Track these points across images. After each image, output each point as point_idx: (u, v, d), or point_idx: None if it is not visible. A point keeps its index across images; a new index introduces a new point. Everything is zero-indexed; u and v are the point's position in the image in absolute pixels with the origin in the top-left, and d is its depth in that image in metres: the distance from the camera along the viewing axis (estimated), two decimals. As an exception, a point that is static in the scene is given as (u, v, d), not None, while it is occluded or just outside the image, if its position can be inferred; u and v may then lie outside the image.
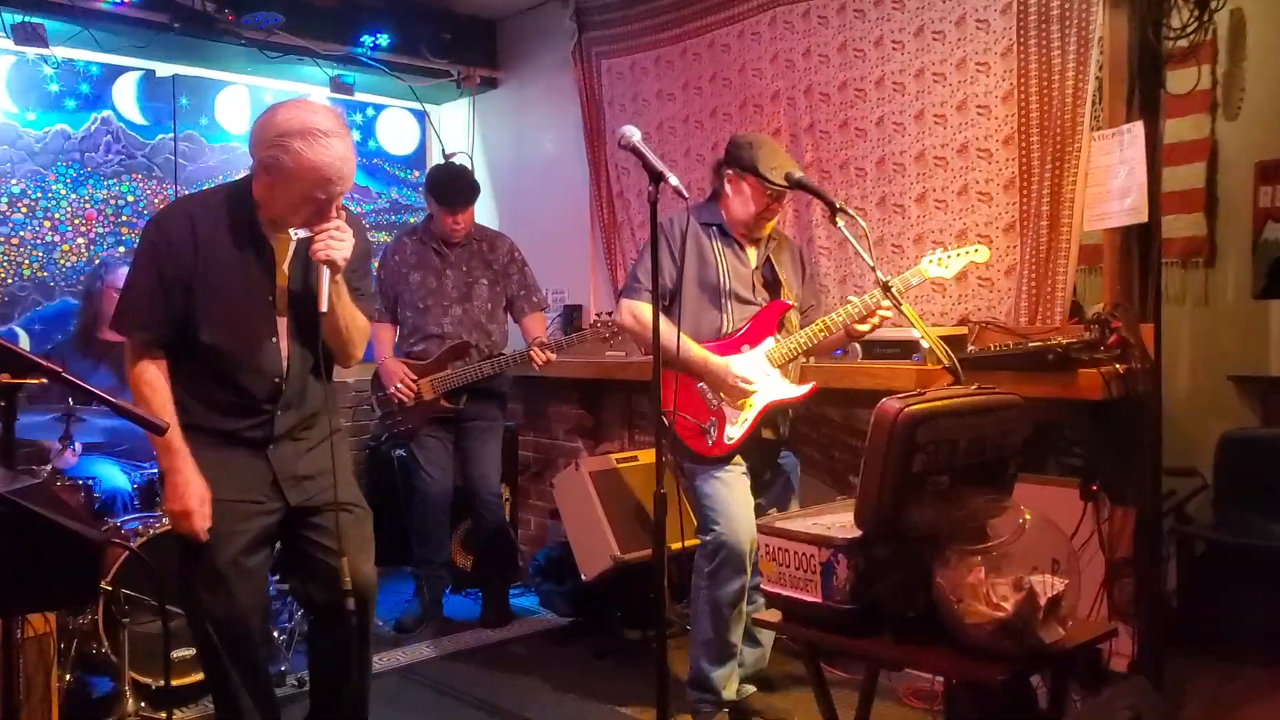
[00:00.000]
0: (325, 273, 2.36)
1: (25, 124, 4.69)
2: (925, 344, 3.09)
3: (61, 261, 4.76)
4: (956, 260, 3.13)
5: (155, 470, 3.58)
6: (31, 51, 4.49)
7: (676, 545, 3.15)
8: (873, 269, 2.79)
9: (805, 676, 2.47)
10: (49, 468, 3.49)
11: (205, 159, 5.20)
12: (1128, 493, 3.16)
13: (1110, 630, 2.24)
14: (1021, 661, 1.99)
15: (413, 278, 4.33)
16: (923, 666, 2.16)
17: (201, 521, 2.39)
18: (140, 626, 3.22)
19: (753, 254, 3.29)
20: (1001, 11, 3.58)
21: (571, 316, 5.19)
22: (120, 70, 4.91)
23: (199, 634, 2.46)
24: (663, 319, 3.15)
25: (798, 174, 3.10)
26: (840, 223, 2.94)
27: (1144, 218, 3.16)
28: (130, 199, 4.99)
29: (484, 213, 4.70)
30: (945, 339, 2.91)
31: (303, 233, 2.39)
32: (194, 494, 2.38)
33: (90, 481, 3.59)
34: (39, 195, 4.73)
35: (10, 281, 4.64)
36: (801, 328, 3.27)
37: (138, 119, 4.99)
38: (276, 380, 2.49)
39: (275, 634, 3.64)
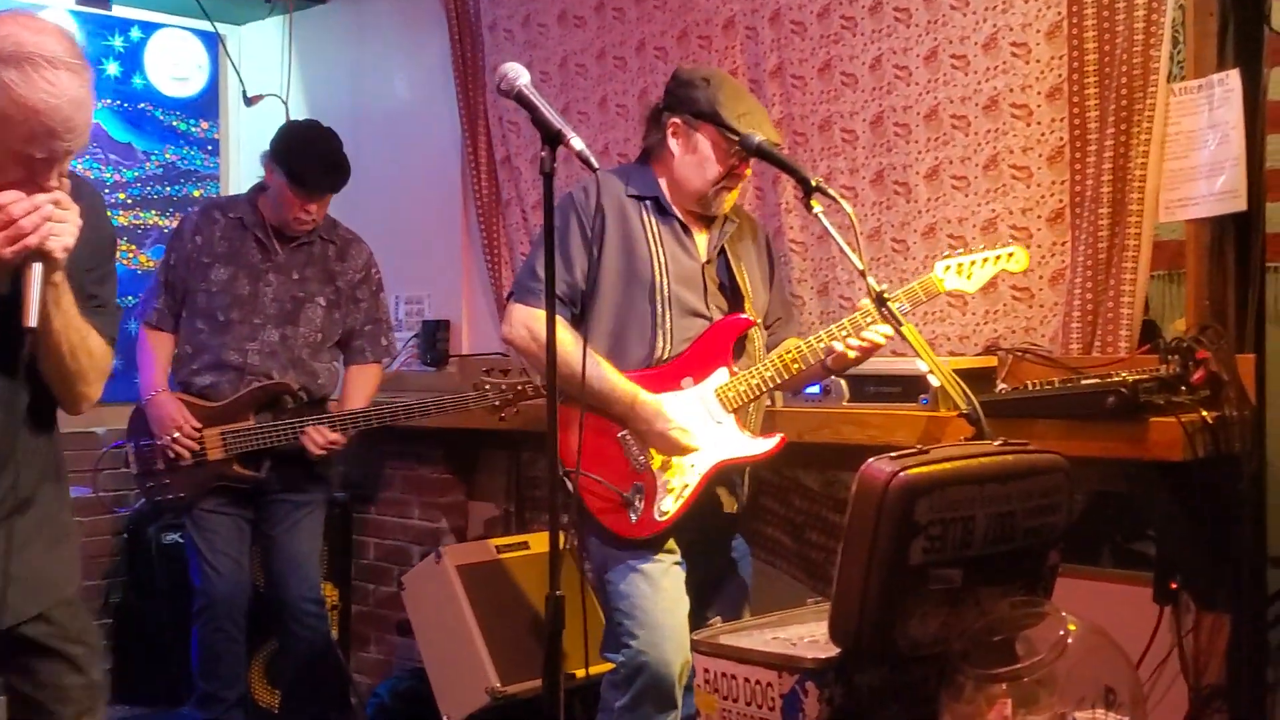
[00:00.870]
0: (35, 270, 2.29)
1: None
2: (935, 380, 3.14)
3: None
4: (983, 268, 3.20)
5: None
6: None
7: (581, 672, 3.14)
8: (862, 273, 2.84)
9: None
10: None
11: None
12: (1220, 593, 3.23)
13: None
14: (1064, 834, 2.03)
15: (216, 273, 4.27)
16: (927, 843, 2.18)
17: None
18: None
19: (703, 242, 3.33)
20: (1045, -88, 3.71)
21: (435, 340, 5.18)
22: None
23: None
24: (569, 334, 3.18)
25: (759, 137, 3.15)
26: (817, 207, 2.99)
27: (1243, 205, 3.26)
28: None
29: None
30: (964, 373, 2.95)
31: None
32: None
33: None
34: None
35: None
36: (768, 353, 3.30)
37: None
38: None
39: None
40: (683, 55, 4.51)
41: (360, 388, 4.38)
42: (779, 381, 3.20)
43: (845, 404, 3.59)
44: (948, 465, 2.10)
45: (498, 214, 5.16)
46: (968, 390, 2.65)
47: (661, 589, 3.16)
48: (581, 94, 4.84)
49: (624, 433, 3.19)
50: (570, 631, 2.38)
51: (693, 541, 3.26)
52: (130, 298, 4.99)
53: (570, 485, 3.09)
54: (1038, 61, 3.73)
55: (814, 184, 2.99)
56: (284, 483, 4.29)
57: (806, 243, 4.25)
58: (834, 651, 2.17)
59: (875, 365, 3.31)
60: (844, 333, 3.12)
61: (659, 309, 3.22)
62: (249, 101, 5.73)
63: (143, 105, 5.78)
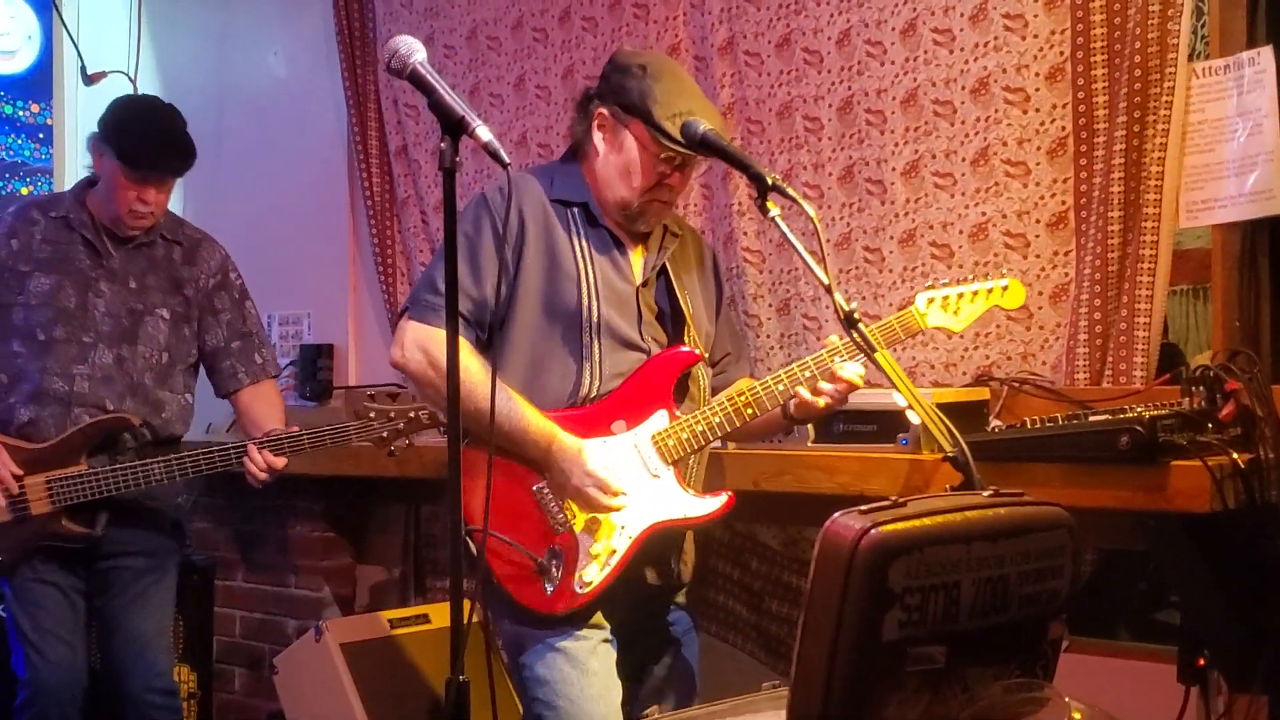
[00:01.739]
0: None
1: None
2: (916, 418, 3.15)
3: None
4: (973, 303, 3.24)
5: None
6: None
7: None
8: (828, 289, 2.84)
9: None
10: None
11: None
12: (1256, 671, 3.25)
13: None
14: None
15: (36, 283, 4.21)
16: None
17: None
18: None
19: (638, 259, 3.33)
20: None
21: (315, 369, 5.15)
22: None
23: None
24: (476, 360, 3.15)
25: (704, 126, 3.15)
26: (775, 210, 2.99)
27: (1278, 208, 3.32)
28: None
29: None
30: (951, 408, 2.96)
31: None
32: None
33: None
34: None
35: None
36: (715, 394, 3.30)
37: None
38: None
39: None
40: (615, 27, 4.53)
41: (256, 409, 4.29)
42: (728, 429, 3.19)
43: (810, 446, 3.60)
44: (928, 521, 2.09)
45: (391, 216, 5.15)
46: (954, 429, 2.65)
47: (588, 672, 3.15)
48: (494, 72, 4.85)
49: (541, 484, 3.17)
50: (477, 724, 2.35)
51: (625, 615, 3.25)
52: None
53: (474, 547, 3.06)
54: (1035, 37, 3.77)
55: (771, 182, 2.98)
56: (125, 542, 4.22)
57: (764, 251, 4.27)
58: (794, 747, 2.15)
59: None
60: (808, 374, 3.12)
61: (586, 338, 3.21)
62: (89, 80, 5.68)
63: (-43, 84, 5.73)
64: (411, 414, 3.91)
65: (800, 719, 2.11)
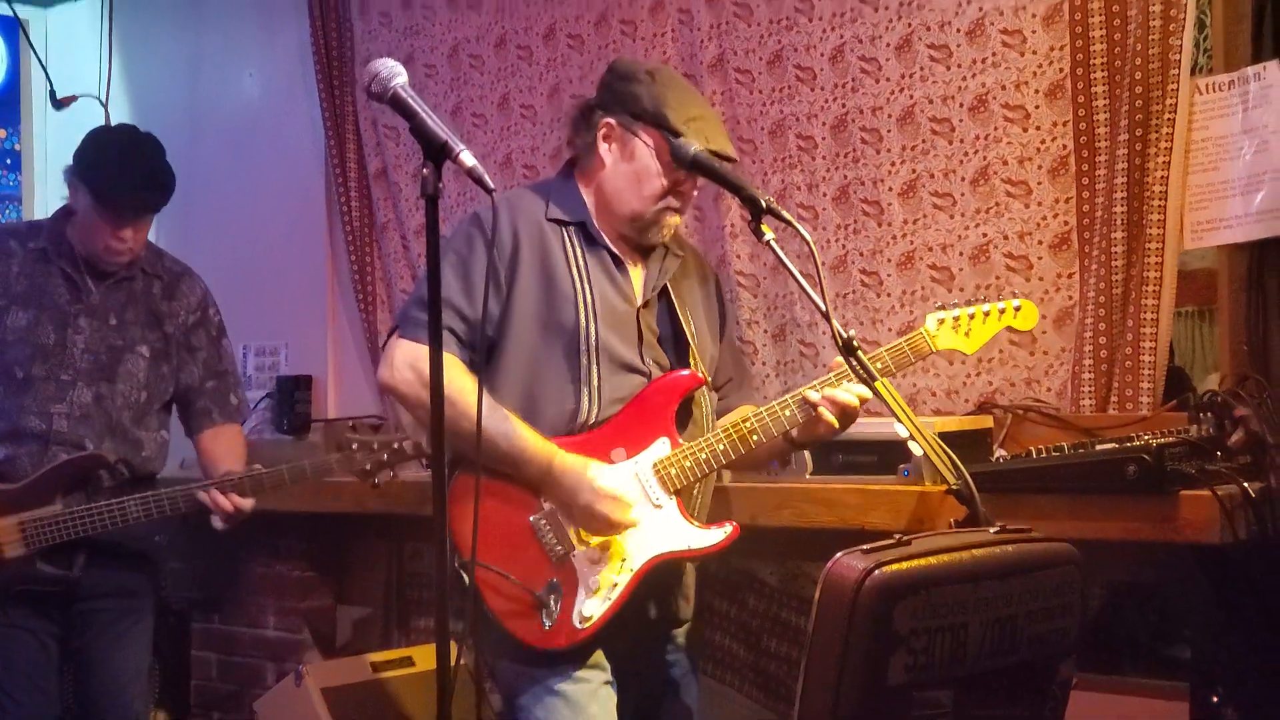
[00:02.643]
0: None
1: None
2: (918, 448, 3.13)
3: None
4: (984, 324, 3.21)
5: None
6: None
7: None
8: (825, 315, 2.83)
9: None
10: None
11: None
12: (1271, 708, 3.23)
13: None
14: None
15: (14, 318, 4.18)
16: None
17: None
18: None
19: (638, 279, 3.31)
20: None
21: (293, 401, 5.12)
22: None
23: None
24: (468, 379, 3.12)
25: (695, 147, 3.13)
26: (769, 234, 2.98)
27: (1286, 229, 3.32)
28: None
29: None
30: (953, 437, 2.95)
31: None
32: None
33: None
34: None
35: None
36: (719, 419, 3.28)
37: None
38: None
39: None
40: (602, 45, 4.53)
41: (216, 450, 4.26)
42: (733, 457, 3.17)
43: (809, 478, 3.58)
44: (933, 560, 2.08)
45: (371, 241, 5.13)
46: (957, 460, 2.63)
47: (588, 717, 3.12)
48: (477, 91, 4.84)
49: (538, 515, 3.14)
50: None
51: (625, 655, 3.22)
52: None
53: (467, 579, 3.02)
54: (1034, 53, 3.77)
55: (765, 205, 2.98)
56: (102, 584, 4.19)
57: (758, 275, 4.26)
58: (796, 795, 2.13)
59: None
60: (815, 397, 3.10)
61: (584, 361, 3.19)
62: (58, 104, 5.66)
63: (-79, 109, 5.71)
64: (395, 445, 3.89)
65: (804, 766, 2.10)
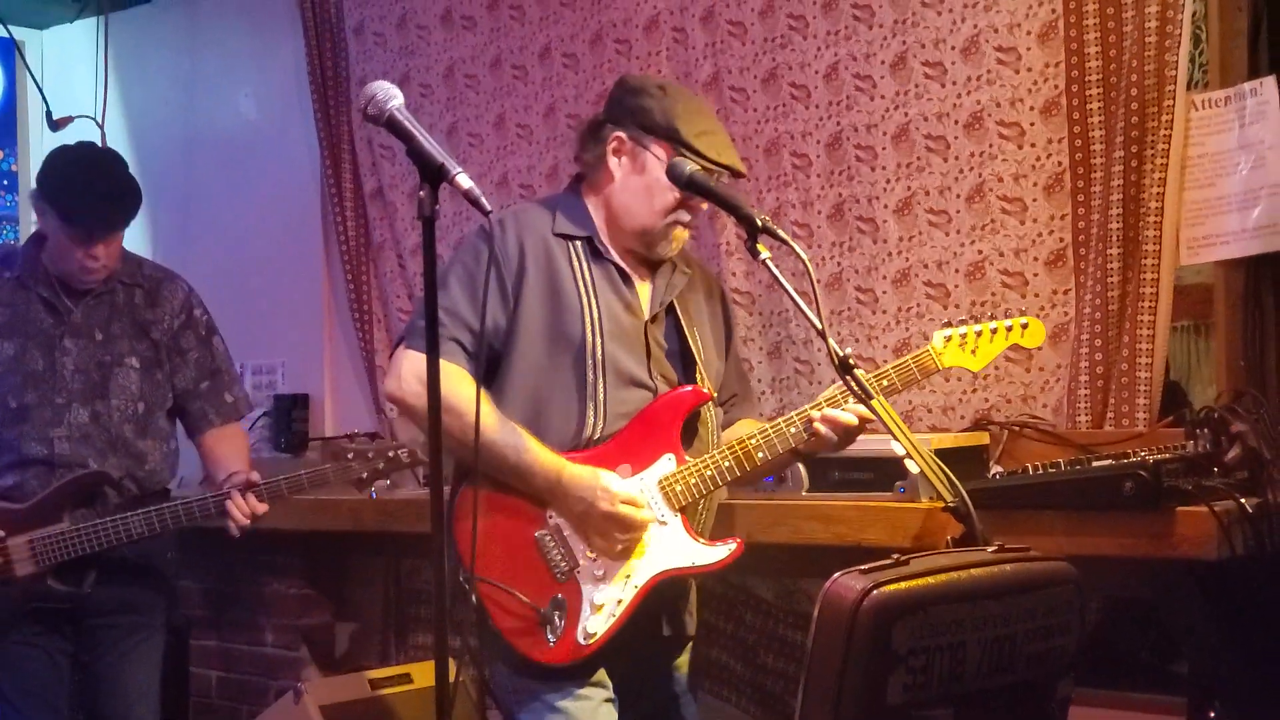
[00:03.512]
0: None
1: None
2: (914, 466, 3.14)
3: None
4: (991, 341, 3.22)
5: None
6: None
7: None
8: (821, 334, 2.84)
9: None
10: None
11: None
12: (1270, 720, 3.26)
13: None
14: None
15: (0, 349, 4.20)
16: None
17: None
18: None
19: (645, 292, 3.31)
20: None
21: (290, 419, 5.13)
22: None
23: None
24: (472, 389, 3.10)
25: (690, 166, 3.14)
26: (765, 253, 2.99)
27: (1282, 244, 3.33)
28: None
29: (130, 229, 4.60)
30: (950, 454, 2.96)
31: None
32: None
33: None
34: None
35: None
36: (723, 434, 3.29)
37: None
38: None
39: None
40: (597, 64, 4.54)
41: (222, 452, 4.27)
42: (738, 473, 3.17)
43: (805, 494, 3.59)
44: (931, 580, 2.09)
45: (367, 261, 5.14)
46: (953, 477, 2.64)
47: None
48: (473, 111, 4.84)
49: (543, 530, 3.14)
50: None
51: (627, 672, 3.22)
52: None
53: (471, 594, 3.03)
54: (1029, 70, 3.78)
55: (760, 223, 2.99)
56: (113, 601, 4.20)
57: (753, 293, 4.27)
58: (795, 814, 2.14)
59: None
60: (819, 414, 3.11)
61: (590, 375, 3.19)
62: (55, 125, 5.66)
63: (-82, 130, 5.72)
64: (391, 454, 3.89)
65: (803, 785, 2.10)
